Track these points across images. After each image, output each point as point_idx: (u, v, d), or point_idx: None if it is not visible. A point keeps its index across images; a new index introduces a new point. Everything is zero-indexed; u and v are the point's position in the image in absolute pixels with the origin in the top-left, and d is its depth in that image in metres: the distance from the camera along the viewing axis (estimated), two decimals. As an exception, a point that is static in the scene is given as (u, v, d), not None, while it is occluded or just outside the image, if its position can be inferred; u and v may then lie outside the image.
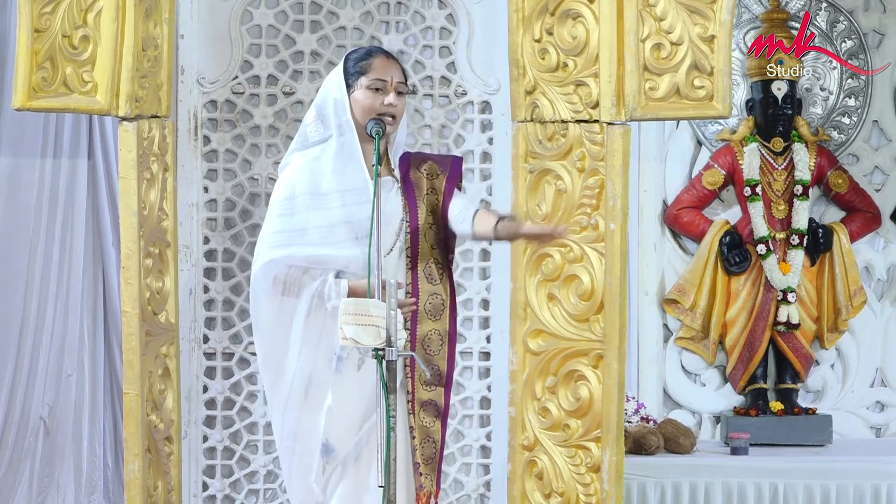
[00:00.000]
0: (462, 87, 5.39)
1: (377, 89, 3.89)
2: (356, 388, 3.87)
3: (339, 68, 3.97)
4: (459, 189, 4.08)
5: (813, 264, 5.73)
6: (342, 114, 3.92)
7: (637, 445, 5.36)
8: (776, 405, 5.65)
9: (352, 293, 3.82)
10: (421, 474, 3.92)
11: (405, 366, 3.87)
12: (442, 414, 3.96)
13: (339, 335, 3.67)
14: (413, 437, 3.91)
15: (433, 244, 3.99)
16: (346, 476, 3.91)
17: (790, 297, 5.63)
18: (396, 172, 3.99)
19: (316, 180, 3.91)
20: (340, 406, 3.89)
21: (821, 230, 5.69)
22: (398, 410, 3.63)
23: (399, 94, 3.91)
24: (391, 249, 3.91)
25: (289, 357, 3.90)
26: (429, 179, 3.99)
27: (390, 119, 3.89)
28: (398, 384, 3.67)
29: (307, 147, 3.98)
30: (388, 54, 3.96)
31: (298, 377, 3.90)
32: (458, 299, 5.34)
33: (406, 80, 3.96)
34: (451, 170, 4.02)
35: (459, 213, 3.97)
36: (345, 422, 3.89)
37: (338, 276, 3.87)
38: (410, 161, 4.01)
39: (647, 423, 5.47)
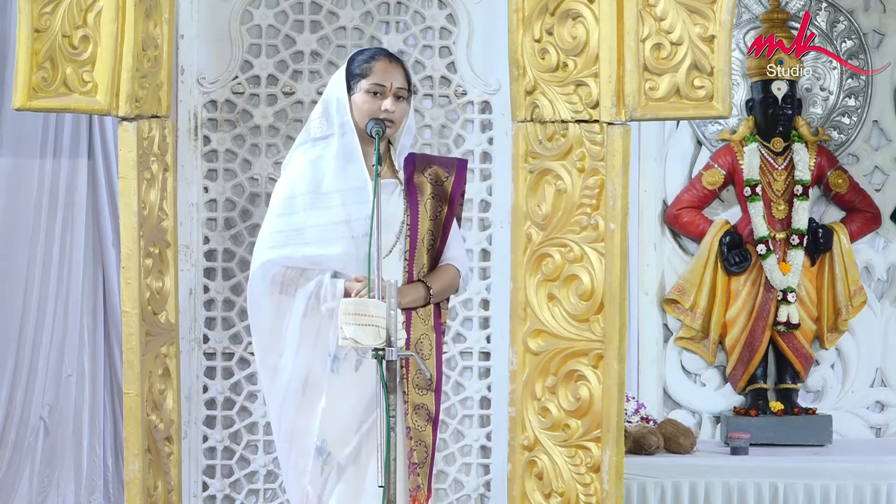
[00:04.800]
0: (462, 87, 5.39)
1: (375, 93, 3.89)
2: (354, 389, 3.88)
3: (344, 68, 3.98)
4: (462, 196, 4.10)
5: (813, 264, 5.73)
6: (343, 114, 3.93)
7: (637, 445, 5.36)
8: (776, 405, 5.65)
9: (347, 294, 3.82)
10: (418, 475, 3.92)
11: (400, 367, 3.87)
12: (433, 419, 3.96)
13: (339, 335, 3.67)
14: (410, 438, 3.91)
15: (427, 250, 4.00)
16: (343, 478, 3.91)
17: (790, 297, 5.64)
18: (401, 175, 3.99)
19: (317, 180, 3.92)
20: (337, 408, 3.89)
21: (821, 230, 5.70)
22: (397, 411, 3.63)
23: (399, 98, 3.91)
24: (390, 252, 3.91)
25: (285, 357, 3.91)
26: (433, 185, 3.99)
27: (389, 123, 3.89)
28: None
29: (308, 142, 3.98)
30: (391, 58, 3.96)
31: (295, 378, 3.90)
32: (458, 299, 5.34)
33: (409, 85, 3.96)
34: (457, 174, 4.03)
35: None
36: (341, 423, 3.89)
37: (335, 276, 3.88)
38: (415, 164, 4.01)
39: (647, 423, 5.47)
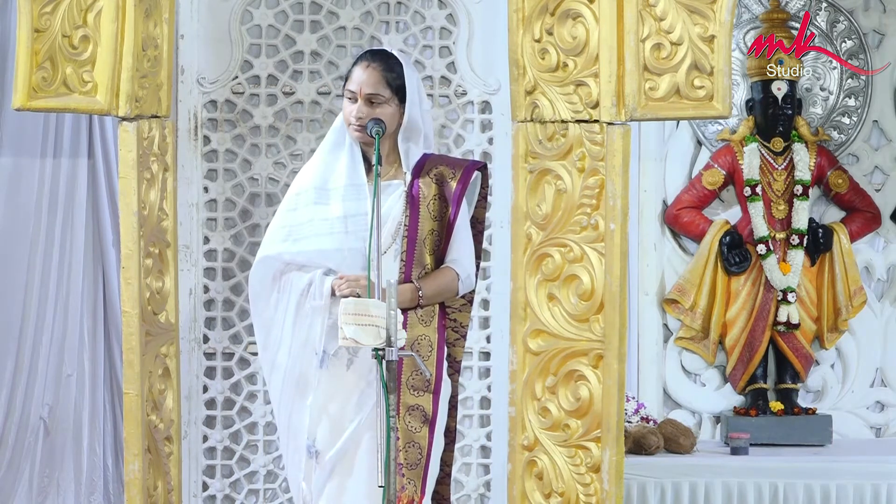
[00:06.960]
0: (462, 87, 5.39)
1: (350, 98, 3.94)
2: (344, 387, 3.89)
3: None
4: (485, 199, 4.10)
5: (813, 264, 5.73)
6: (342, 117, 3.99)
7: (637, 445, 5.36)
8: (776, 405, 5.65)
9: (332, 292, 3.86)
10: (403, 476, 3.90)
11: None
12: (430, 421, 3.95)
13: (339, 335, 3.68)
14: (397, 439, 3.90)
15: (430, 251, 4.00)
16: (333, 476, 3.91)
17: (790, 297, 5.63)
18: (407, 176, 3.99)
19: (325, 176, 3.97)
20: (326, 405, 3.90)
21: (821, 230, 5.69)
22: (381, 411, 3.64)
23: (373, 103, 3.91)
24: (385, 251, 3.92)
25: (281, 353, 3.94)
26: (438, 185, 3.99)
27: (358, 127, 3.90)
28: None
29: (328, 135, 4.03)
30: (370, 62, 3.95)
31: (289, 374, 3.93)
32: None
33: (388, 90, 3.92)
34: (464, 175, 4.02)
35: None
36: (330, 422, 3.90)
37: (328, 274, 3.90)
38: (424, 165, 4.01)
39: (647, 423, 5.46)
